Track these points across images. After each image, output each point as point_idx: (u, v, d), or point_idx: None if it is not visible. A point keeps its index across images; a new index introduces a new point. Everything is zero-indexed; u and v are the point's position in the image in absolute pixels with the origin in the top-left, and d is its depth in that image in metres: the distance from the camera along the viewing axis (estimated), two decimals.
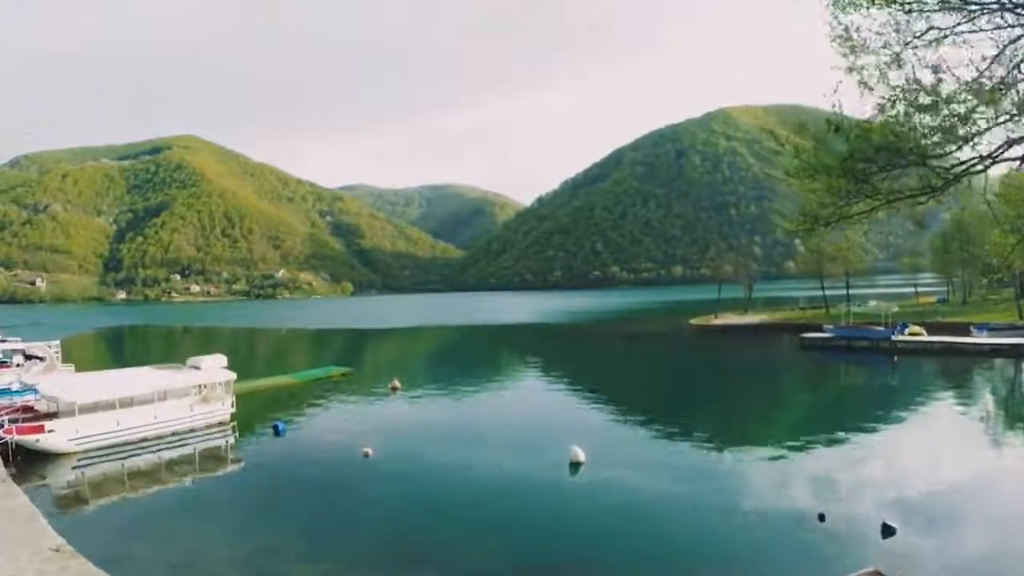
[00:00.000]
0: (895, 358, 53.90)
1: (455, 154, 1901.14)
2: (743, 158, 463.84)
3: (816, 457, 26.86)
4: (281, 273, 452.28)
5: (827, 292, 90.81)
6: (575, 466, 25.53)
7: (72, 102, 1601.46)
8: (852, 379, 50.18)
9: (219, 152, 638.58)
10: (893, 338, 58.22)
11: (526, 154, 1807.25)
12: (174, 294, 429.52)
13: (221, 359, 37.47)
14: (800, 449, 28.11)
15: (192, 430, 33.30)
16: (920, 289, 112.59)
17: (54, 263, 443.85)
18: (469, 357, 65.10)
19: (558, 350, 69.82)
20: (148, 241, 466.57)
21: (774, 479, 24.09)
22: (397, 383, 45.32)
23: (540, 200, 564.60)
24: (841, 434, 30.15)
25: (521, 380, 52.00)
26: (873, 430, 31.00)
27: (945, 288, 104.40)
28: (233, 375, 35.79)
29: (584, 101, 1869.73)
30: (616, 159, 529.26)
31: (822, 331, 64.30)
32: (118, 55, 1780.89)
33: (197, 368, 36.10)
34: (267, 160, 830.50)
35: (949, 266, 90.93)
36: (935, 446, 28.97)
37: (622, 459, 26.81)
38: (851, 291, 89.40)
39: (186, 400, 33.77)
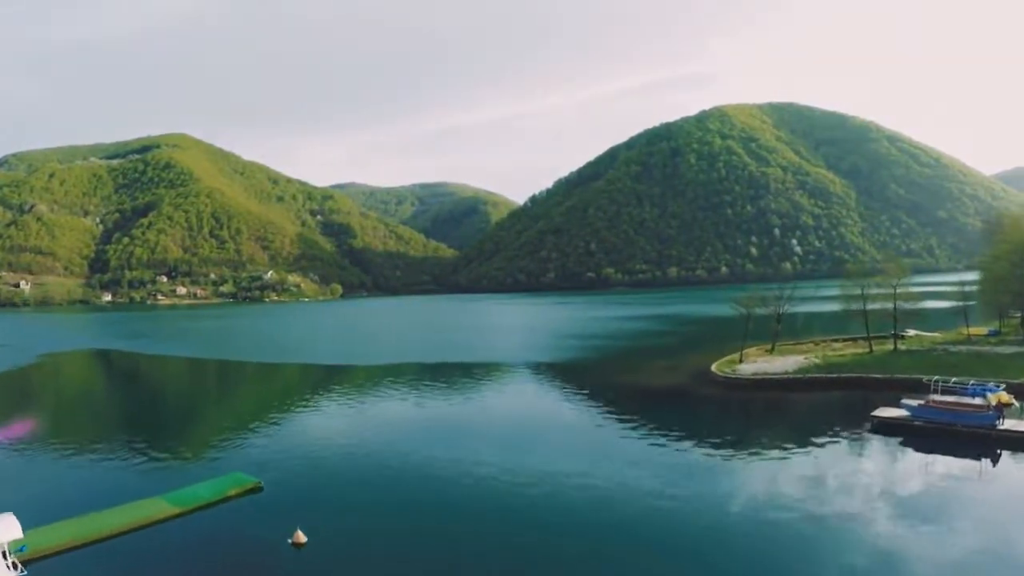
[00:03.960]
0: (998, 452, 42.55)
1: (448, 152, 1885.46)
2: (739, 157, 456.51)
3: None
4: (269, 275, 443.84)
5: (854, 306, 78.65)
6: None
7: (62, 100, 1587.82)
8: (958, 491, 36.12)
9: (209, 150, 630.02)
10: (999, 427, 44.95)
11: (520, 152, 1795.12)
12: (160, 296, 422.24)
13: (10, 527, 27.96)
14: None
15: None
16: (945, 295, 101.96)
17: (39, 265, 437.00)
18: (422, 449, 47.04)
19: (545, 434, 51.59)
20: (135, 242, 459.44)
21: None
22: (302, 537, 31.89)
23: (533, 199, 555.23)
24: None
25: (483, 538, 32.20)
26: None
27: (982, 305, 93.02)
28: None
29: (579, 99, 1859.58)
30: (610, 158, 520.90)
31: (899, 405, 50.38)
32: (109, 53, 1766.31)
33: None
34: (258, 158, 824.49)
35: (1000, 294, 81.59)
36: None
37: None
38: (871, 306, 77.84)
39: None
